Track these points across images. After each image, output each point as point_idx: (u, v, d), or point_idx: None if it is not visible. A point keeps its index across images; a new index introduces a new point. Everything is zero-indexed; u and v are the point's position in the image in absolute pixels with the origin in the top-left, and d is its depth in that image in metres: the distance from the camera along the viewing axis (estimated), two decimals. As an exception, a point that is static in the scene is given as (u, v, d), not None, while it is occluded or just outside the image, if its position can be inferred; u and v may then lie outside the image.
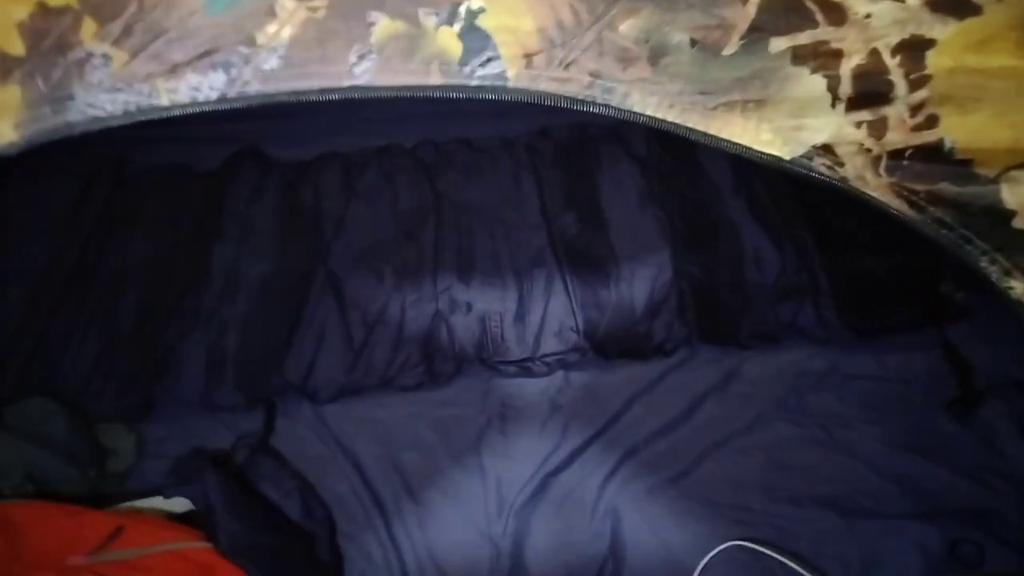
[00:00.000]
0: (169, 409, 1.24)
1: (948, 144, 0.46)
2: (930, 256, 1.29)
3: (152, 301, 1.37)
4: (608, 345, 1.27)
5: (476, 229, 1.46)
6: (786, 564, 1.02)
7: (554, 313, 1.31)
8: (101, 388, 1.26)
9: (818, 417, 1.18)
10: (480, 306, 1.34)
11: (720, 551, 1.04)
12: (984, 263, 0.50)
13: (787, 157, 0.49)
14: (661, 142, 1.54)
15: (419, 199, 1.52)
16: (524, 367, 1.26)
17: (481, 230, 1.46)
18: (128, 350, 1.30)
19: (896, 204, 0.49)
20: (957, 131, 0.46)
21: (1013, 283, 0.51)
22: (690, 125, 0.50)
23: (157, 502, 1.05)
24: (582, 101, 0.53)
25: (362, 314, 1.35)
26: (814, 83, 0.47)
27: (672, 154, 1.52)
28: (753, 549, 1.04)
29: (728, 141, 0.50)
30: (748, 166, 1.48)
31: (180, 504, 1.04)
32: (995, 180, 0.46)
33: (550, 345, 1.28)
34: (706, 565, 1.04)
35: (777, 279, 1.32)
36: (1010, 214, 0.48)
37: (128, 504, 1.05)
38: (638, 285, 1.33)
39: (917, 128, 0.46)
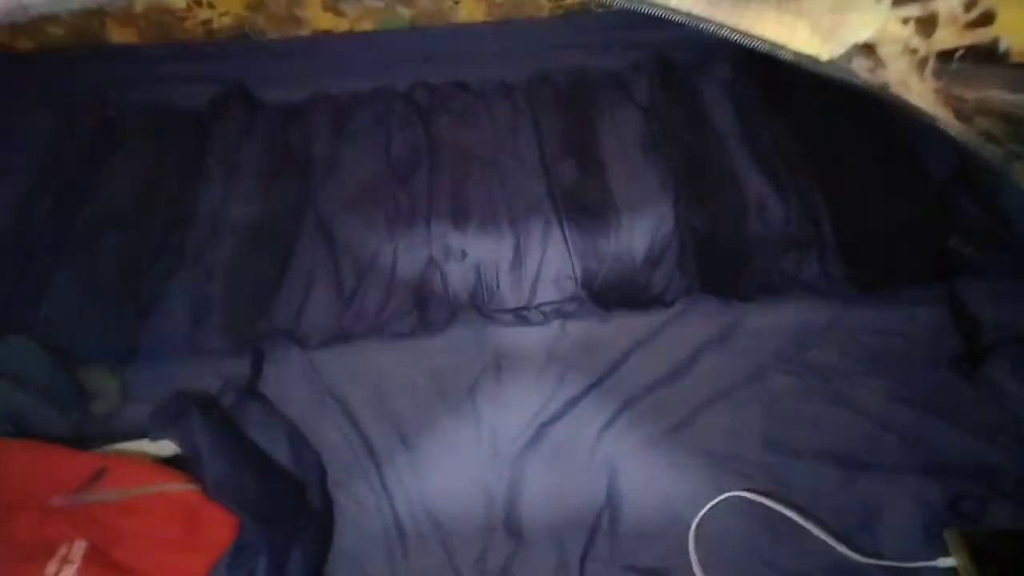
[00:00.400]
0: (154, 352, 1.20)
1: (1003, 45, 0.42)
2: (940, 209, 1.27)
3: (136, 242, 1.32)
4: (606, 295, 1.24)
5: (471, 175, 1.41)
6: (785, 515, 1.00)
7: (551, 262, 1.28)
8: (84, 330, 1.22)
9: (819, 370, 1.15)
10: (475, 254, 1.30)
11: (718, 502, 1.03)
12: (1037, 188, 0.47)
13: (824, 58, 0.44)
14: (665, 88, 1.50)
15: (412, 143, 1.47)
16: (520, 316, 1.23)
17: (477, 176, 1.41)
18: (111, 292, 1.26)
19: (941, 113, 0.45)
20: (1016, 30, 0.41)
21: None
22: (719, 18, 0.46)
23: (143, 445, 1.01)
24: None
25: (353, 259, 1.31)
26: (858, -26, 0.42)
27: (675, 101, 1.47)
28: (752, 500, 1.02)
29: (760, 38, 0.46)
30: (753, 115, 1.45)
31: (166, 447, 1.01)
32: (1056, 87, 0.42)
33: (547, 294, 1.25)
34: (704, 516, 1.02)
35: (781, 230, 1.29)
36: (1068, 130, 0.44)
37: (113, 447, 1.01)
38: (638, 234, 1.30)
39: (970, 25, 0.41)
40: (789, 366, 1.16)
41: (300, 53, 1.62)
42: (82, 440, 1.05)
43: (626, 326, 1.20)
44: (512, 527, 1.02)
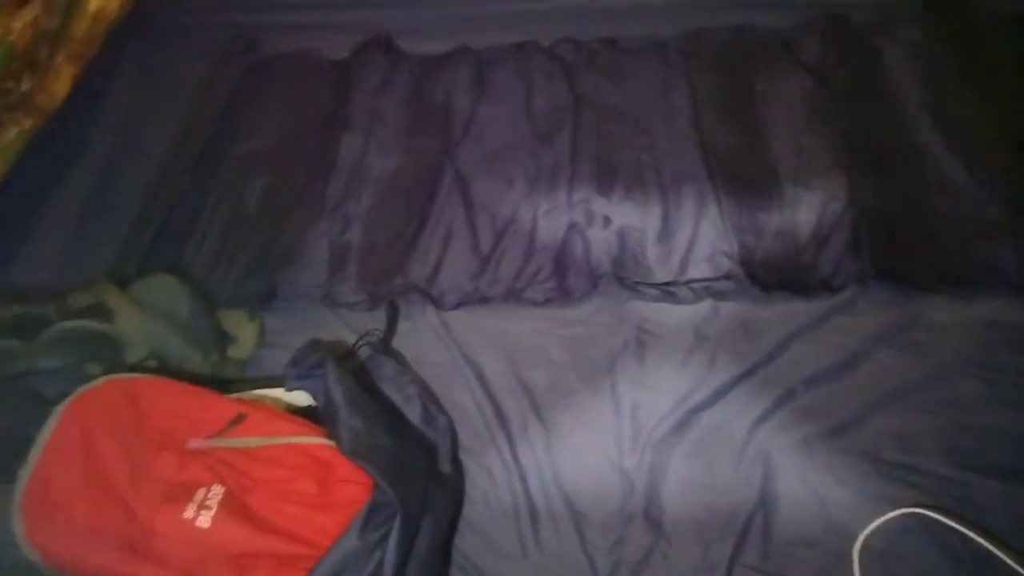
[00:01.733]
0: (290, 301, 1.19)
1: None
2: None
3: (278, 188, 1.32)
4: (765, 276, 1.12)
5: (618, 137, 1.32)
6: (972, 540, 0.88)
7: (704, 235, 1.17)
8: (224, 273, 1.22)
9: (1012, 376, 1.01)
10: (620, 221, 1.21)
11: (892, 517, 0.91)
12: None
13: None
14: (838, 50, 1.35)
15: (556, 101, 1.39)
16: (667, 291, 1.13)
17: (624, 139, 1.32)
18: (252, 236, 1.26)
19: None
20: None
21: None
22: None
23: (277, 393, 1.00)
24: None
25: (491, 219, 1.25)
26: None
27: (850, 63, 1.32)
28: (930, 518, 0.90)
29: None
30: (943, 84, 1.28)
31: (301, 398, 0.99)
32: None
33: (699, 270, 1.14)
34: (872, 531, 0.91)
35: (973, 214, 1.13)
36: None
37: (248, 392, 1.00)
38: (803, 211, 1.17)
39: None
40: (976, 369, 1.02)
41: (443, 3, 1.57)
42: (218, 382, 1.05)
43: (787, 311, 1.09)
44: (652, 517, 0.95)
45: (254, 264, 1.23)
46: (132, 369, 0.93)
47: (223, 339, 1.12)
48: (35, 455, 0.79)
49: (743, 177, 1.22)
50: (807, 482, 0.95)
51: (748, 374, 1.04)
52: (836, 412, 1.00)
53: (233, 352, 1.13)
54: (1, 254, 1.26)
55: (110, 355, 0.97)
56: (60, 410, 0.82)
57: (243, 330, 1.15)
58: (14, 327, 0.95)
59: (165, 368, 1.00)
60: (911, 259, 1.11)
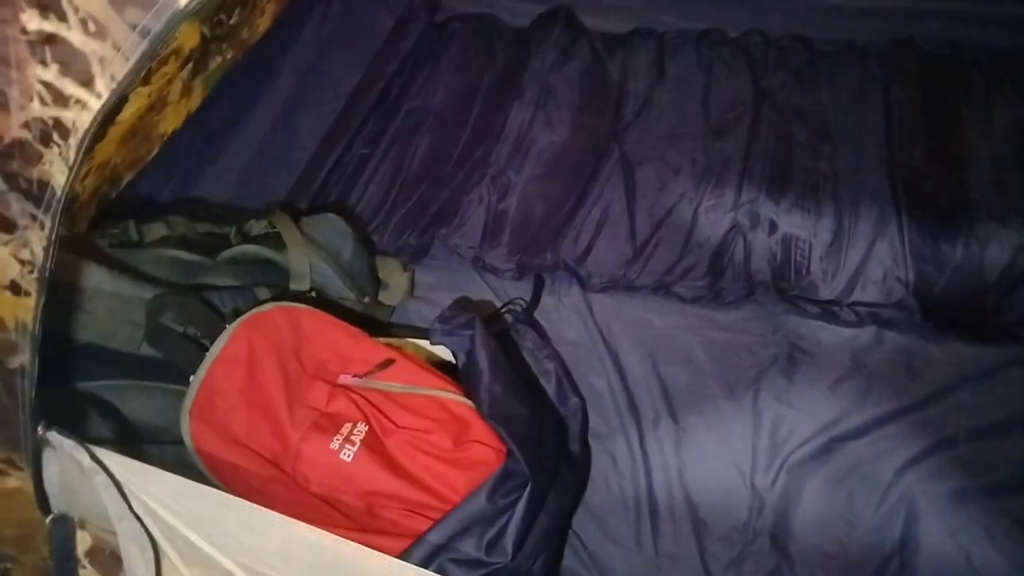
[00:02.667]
0: (442, 258, 1.22)
1: None
2: None
3: (445, 148, 1.34)
4: (940, 311, 1.05)
5: (799, 141, 1.26)
6: None
7: (879, 258, 1.10)
8: (384, 222, 1.27)
9: None
10: (787, 228, 1.16)
11: (1045, 593, 0.83)
12: None
13: None
14: (1064, 79, 1.22)
15: (737, 95, 1.34)
16: (829, 310, 1.08)
17: (804, 143, 1.26)
18: (414, 191, 1.30)
19: None
20: None
21: None
22: None
23: (421, 343, 1.03)
24: None
25: (650, 207, 1.23)
26: None
27: (1078, 97, 1.20)
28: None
29: None
30: None
31: (442, 352, 1.01)
32: None
33: (867, 293, 1.08)
34: (1021, 603, 0.84)
35: None
36: None
37: (395, 338, 1.04)
38: (995, 248, 1.08)
39: None
40: None
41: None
42: (368, 323, 1.09)
43: (959, 353, 1.01)
44: (779, 540, 0.91)
45: (413, 218, 1.27)
46: (296, 298, 0.98)
47: (377, 284, 1.16)
48: (206, 366, 0.85)
49: (932, 203, 1.14)
50: (955, 537, 0.89)
51: (905, 412, 0.98)
52: (999, 470, 0.93)
53: (384, 298, 1.17)
54: (191, 172, 1.36)
55: (278, 282, 1.03)
56: (233, 327, 0.87)
57: (396, 278, 1.19)
58: (200, 243, 1.02)
59: (323, 301, 1.05)
60: (1115, 320, 1.00)
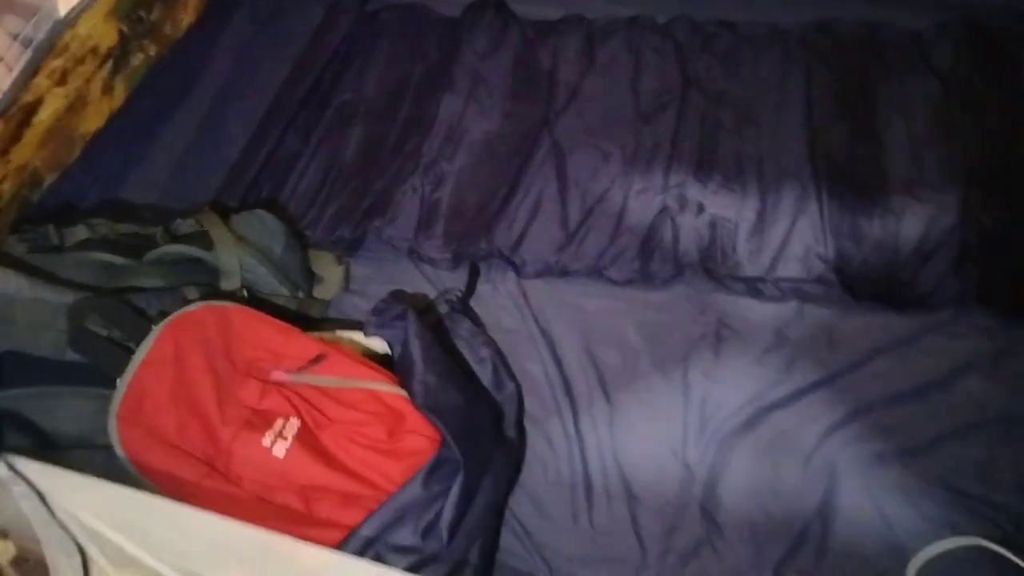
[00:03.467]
0: (377, 250, 1.23)
1: None
2: None
3: (376, 139, 1.34)
4: (859, 284, 1.09)
5: (724, 124, 1.29)
6: (1041, 585, 0.84)
7: (800, 235, 1.14)
8: (317, 216, 1.26)
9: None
10: (713, 210, 1.19)
11: (954, 544, 0.88)
12: None
13: None
14: (974, 57, 1.27)
15: (664, 81, 1.36)
16: (753, 287, 1.11)
17: (730, 126, 1.28)
18: (347, 184, 1.29)
19: None
20: None
21: None
22: None
23: (356, 337, 1.03)
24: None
25: (582, 194, 1.25)
26: None
27: (986, 74, 1.25)
28: (996, 553, 0.87)
29: None
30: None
31: (377, 344, 1.02)
32: None
33: (789, 269, 1.12)
34: (934, 556, 0.88)
35: (1097, 247, 1.06)
36: None
37: (329, 333, 1.04)
38: (910, 223, 1.13)
39: None
40: (1076, 411, 0.97)
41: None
42: (302, 319, 1.09)
43: (877, 324, 1.06)
44: (708, 510, 0.95)
45: (346, 211, 1.27)
46: (227, 297, 0.98)
47: (311, 278, 1.16)
48: (133, 368, 0.84)
49: (850, 181, 1.18)
50: (872, 498, 0.93)
51: (826, 382, 1.02)
52: (913, 433, 0.97)
53: (319, 292, 1.17)
54: (115, 173, 1.34)
55: (207, 281, 1.03)
56: (159, 328, 0.87)
57: (330, 272, 1.19)
58: (125, 245, 1.01)
59: (255, 299, 1.05)
60: (1019, 286, 1.05)
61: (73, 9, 0.37)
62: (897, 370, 1.02)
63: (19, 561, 0.69)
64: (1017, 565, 0.86)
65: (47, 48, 0.39)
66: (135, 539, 0.65)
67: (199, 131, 1.40)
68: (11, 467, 0.62)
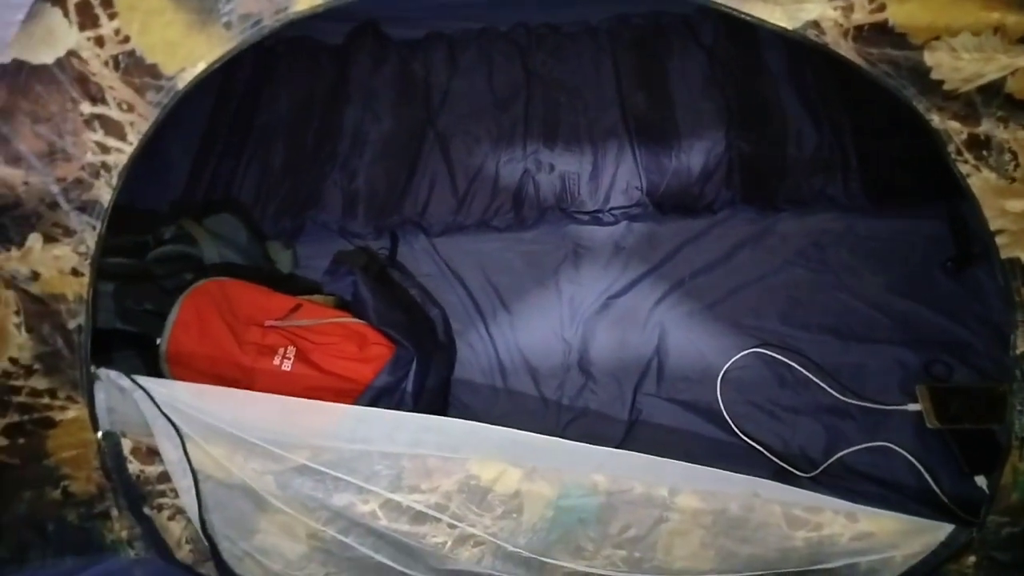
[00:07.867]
0: (315, 234, 1.59)
1: (891, 23, 0.72)
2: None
3: (296, 148, 1.69)
4: (665, 202, 1.55)
5: (561, 103, 1.72)
6: (792, 368, 1.33)
7: (622, 175, 1.59)
8: (262, 213, 1.60)
9: (832, 267, 1.46)
10: (561, 167, 1.62)
11: (742, 356, 1.36)
12: (914, 102, 0.78)
13: (789, 28, 0.75)
14: (729, 34, 1.76)
15: (513, 76, 1.78)
16: (595, 217, 1.56)
17: (565, 104, 1.71)
18: (280, 185, 1.64)
19: (858, 61, 0.75)
20: (897, 14, 0.72)
21: (933, 116, 0.78)
22: (731, 5, 0.75)
23: (317, 297, 1.39)
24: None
25: (464, 168, 1.65)
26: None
27: (736, 45, 1.74)
28: (767, 355, 1.35)
29: (750, 15, 0.76)
30: (803, 61, 1.70)
31: (334, 300, 1.39)
32: (920, 47, 0.73)
33: (618, 200, 1.56)
34: (730, 367, 1.35)
35: (814, 154, 1.56)
36: (928, 69, 0.76)
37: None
38: (695, 155, 1.59)
39: (872, 11, 0.72)
40: (808, 263, 1.47)
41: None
42: (272, 282, 1.44)
43: (680, 227, 1.53)
44: (583, 368, 1.38)
45: (283, 208, 1.61)
46: (219, 273, 1.32)
47: (269, 262, 1.51)
48: (169, 328, 1.18)
49: (652, 131, 1.64)
50: (690, 339, 1.40)
51: (652, 271, 1.48)
52: (711, 294, 1.45)
53: (275, 272, 1.52)
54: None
55: (196, 267, 1.36)
56: (181, 299, 1.21)
57: (282, 256, 1.54)
58: (128, 250, 1.33)
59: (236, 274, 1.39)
60: (769, 188, 1.54)
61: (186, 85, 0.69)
62: (696, 255, 1.49)
63: (136, 450, 1.03)
64: (781, 360, 1.34)
65: (168, 109, 0.72)
66: (216, 419, 1.01)
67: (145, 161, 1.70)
68: (132, 380, 0.96)
